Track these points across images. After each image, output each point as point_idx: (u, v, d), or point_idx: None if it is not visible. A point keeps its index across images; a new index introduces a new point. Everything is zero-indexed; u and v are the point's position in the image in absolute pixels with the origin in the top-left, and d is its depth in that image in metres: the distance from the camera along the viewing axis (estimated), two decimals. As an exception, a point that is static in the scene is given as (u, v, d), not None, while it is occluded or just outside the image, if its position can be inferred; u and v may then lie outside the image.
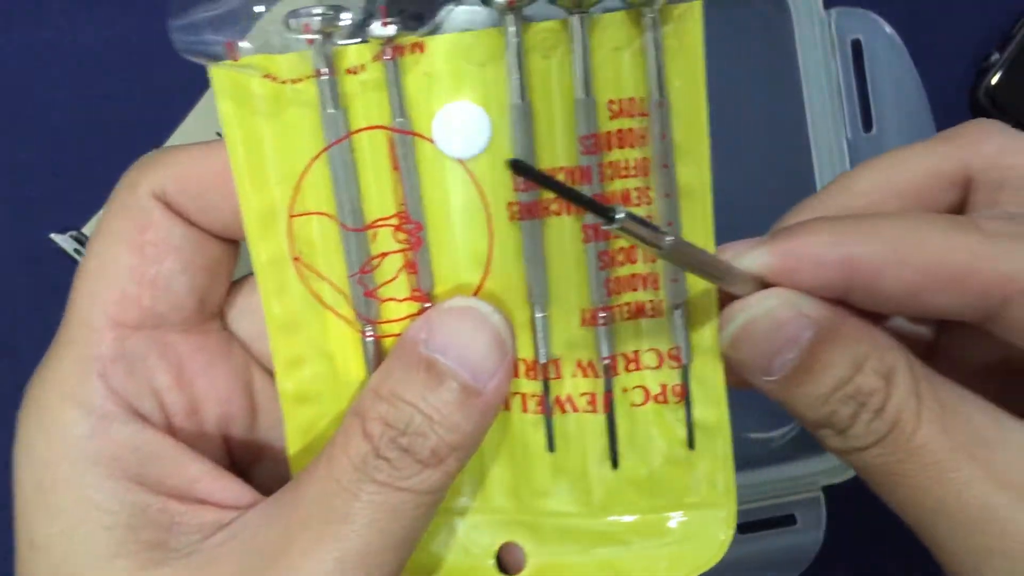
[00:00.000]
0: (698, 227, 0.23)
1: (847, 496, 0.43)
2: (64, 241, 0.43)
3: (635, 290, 0.24)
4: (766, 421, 0.43)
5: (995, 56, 0.45)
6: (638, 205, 0.23)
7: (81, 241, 0.43)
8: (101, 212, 0.24)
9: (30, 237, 0.44)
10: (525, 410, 0.24)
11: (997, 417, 0.21)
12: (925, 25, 0.44)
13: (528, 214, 0.23)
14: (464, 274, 0.24)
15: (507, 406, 0.24)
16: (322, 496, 0.22)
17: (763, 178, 0.43)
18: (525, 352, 0.24)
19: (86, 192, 0.44)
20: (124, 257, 0.23)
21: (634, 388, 0.24)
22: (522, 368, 0.24)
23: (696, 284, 0.24)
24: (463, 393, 0.22)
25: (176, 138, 0.43)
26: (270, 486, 0.24)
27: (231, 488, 0.23)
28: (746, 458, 0.43)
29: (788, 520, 0.42)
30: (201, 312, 0.25)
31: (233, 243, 0.25)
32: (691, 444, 0.24)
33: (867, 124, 0.42)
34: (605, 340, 0.24)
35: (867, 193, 0.24)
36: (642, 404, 0.24)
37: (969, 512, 0.20)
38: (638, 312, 0.24)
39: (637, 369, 0.24)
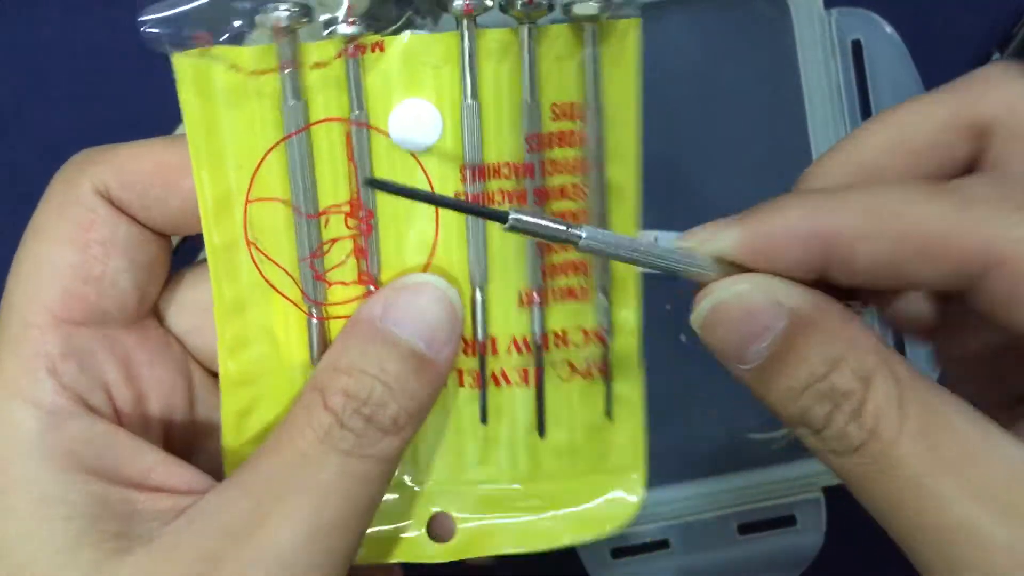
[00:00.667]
0: (622, 220, 0.25)
1: (847, 496, 0.42)
2: (64, 241, 0.43)
3: (567, 274, 0.26)
4: (766, 421, 0.43)
5: (995, 56, 0.45)
6: (574, 199, 0.25)
7: (81, 241, 0.43)
8: (35, 210, 0.24)
9: (30, 237, 0.44)
10: (461, 384, 0.26)
11: (986, 429, 0.19)
12: (925, 25, 0.44)
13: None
14: (410, 259, 0.25)
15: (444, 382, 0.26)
16: (288, 469, 0.22)
17: (763, 178, 0.43)
18: (466, 331, 0.25)
19: (86, 192, 0.44)
20: (67, 255, 0.23)
21: (561, 363, 0.26)
22: (461, 346, 0.25)
23: (619, 269, 0.26)
24: (420, 362, 0.23)
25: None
26: (208, 473, 0.24)
27: (185, 474, 0.23)
28: (746, 458, 0.43)
29: (788, 520, 0.42)
30: (141, 308, 0.25)
31: (169, 240, 0.25)
32: (609, 415, 0.27)
33: (867, 124, 0.42)
34: (538, 319, 0.26)
35: (875, 153, 0.23)
36: (568, 378, 0.26)
37: (949, 529, 0.19)
38: (568, 294, 0.26)
39: (565, 346, 0.26)
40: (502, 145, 0.25)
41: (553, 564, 0.43)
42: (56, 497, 0.22)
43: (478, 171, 0.25)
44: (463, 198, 0.25)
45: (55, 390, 0.23)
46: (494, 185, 0.25)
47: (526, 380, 0.26)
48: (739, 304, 0.21)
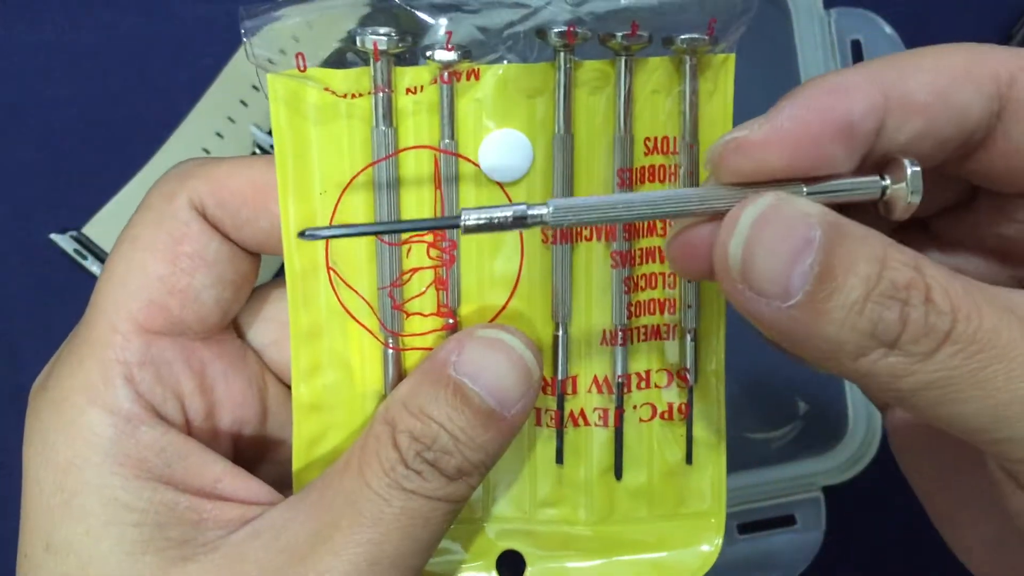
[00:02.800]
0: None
1: (847, 496, 0.43)
2: (64, 241, 0.43)
3: (653, 314, 0.25)
4: (766, 421, 0.43)
5: (995, 56, 0.45)
6: (663, 236, 0.24)
7: (81, 241, 0.43)
8: (132, 216, 0.24)
9: (30, 237, 0.44)
10: (539, 424, 0.25)
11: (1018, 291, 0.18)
12: (925, 25, 0.44)
13: (561, 238, 0.24)
14: (491, 294, 0.25)
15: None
16: (352, 499, 0.22)
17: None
18: (544, 370, 0.24)
19: (86, 192, 0.44)
20: (156, 266, 0.24)
21: (643, 405, 0.25)
22: (537, 395, 0.24)
23: (708, 310, 0.25)
24: (488, 418, 0.23)
25: (176, 138, 0.43)
26: (274, 484, 0.24)
27: (252, 486, 0.24)
28: (746, 458, 0.43)
29: (788, 520, 0.42)
30: (222, 322, 0.25)
31: (259, 257, 0.26)
32: (689, 459, 0.25)
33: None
34: (622, 360, 0.25)
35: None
36: (649, 420, 0.25)
37: None
38: (654, 335, 0.25)
39: (647, 388, 0.25)
40: (593, 178, 0.24)
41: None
42: (126, 502, 0.22)
43: None
44: (549, 232, 0.24)
45: (131, 398, 0.23)
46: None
47: (605, 421, 0.25)
48: (777, 219, 0.19)
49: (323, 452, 0.25)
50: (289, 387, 0.25)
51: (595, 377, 0.25)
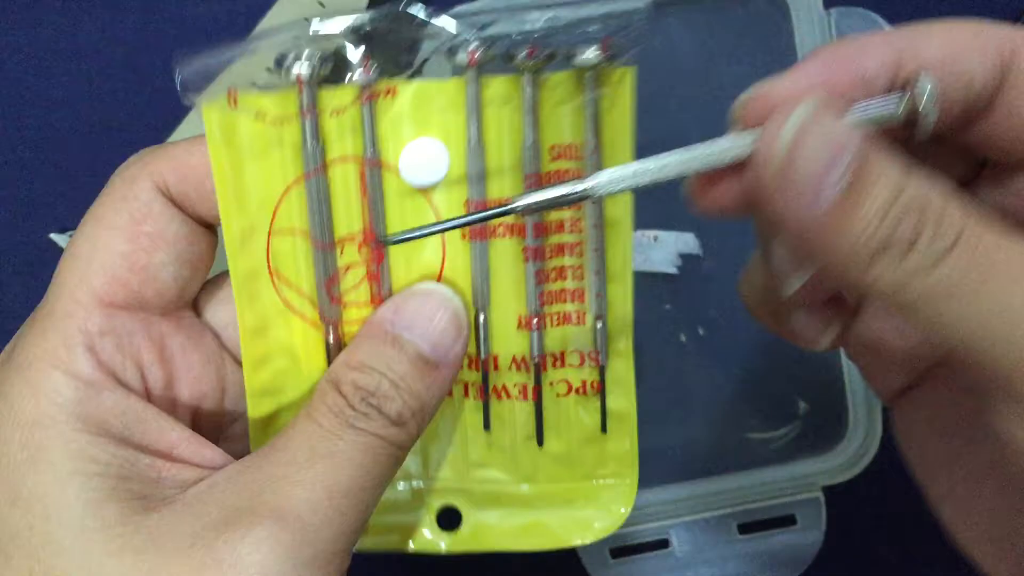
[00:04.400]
0: (618, 252, 0.27)
1: (847, 496, 0.43)
2: (64, 241, 0.43)
3: (564, 302, 0.28)
4: (766, 421, 0.43)
5: (995, 56, 0.45)
6: (572, 233, 0.27)
7: (81, 241, 0.43)
8: (96, 199, 0.26)
9: (30, 237, 0.44)
10: (467, 396, 0.28)
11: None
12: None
13: (477, 236, 0.27)
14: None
15: (451, 393, 0.28)
16: (306, 439, 0.24)
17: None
18: (472, 349, 0.28)
19: (86, 192, 0.44)
20: (118, 244, 0.25)
21: (559, 382, 0.28)
22: (466, 361, 0.28)
23: (616, 298, 0.28)
24: (425, 364, 0.25)
25: (176, 138, 0.43)
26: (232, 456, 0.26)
27: (208, 452, 0.25)
28: (746, 458, 0.43)
29: (788, 520, 0.42)
30: (179, 300, 0.27)
31: (215, 239, 0.27)
32: (604, 428, 0.29)
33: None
34: (536, 342, 0.28)
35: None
36: (565, 395, 0.28)
37: None
38: (565, 320, 0.28)
39: (563, 367, 0.28)
40: (504, 183, 0.27)
41: (553, 564, 0.43)
42: (88, 455, 0.23)
43: (481, 206, 0.26)
44: (468, 232, 0.27)
45: (92, 364, 0.24)
46: (499, 219, 0.27)
47: (525, 395, 0.28)
48: (818, 125, 0.20)
49: (276, 430, 0.27)
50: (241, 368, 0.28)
51: (514, 357, 0.28)
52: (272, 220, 0.27)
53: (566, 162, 0.27)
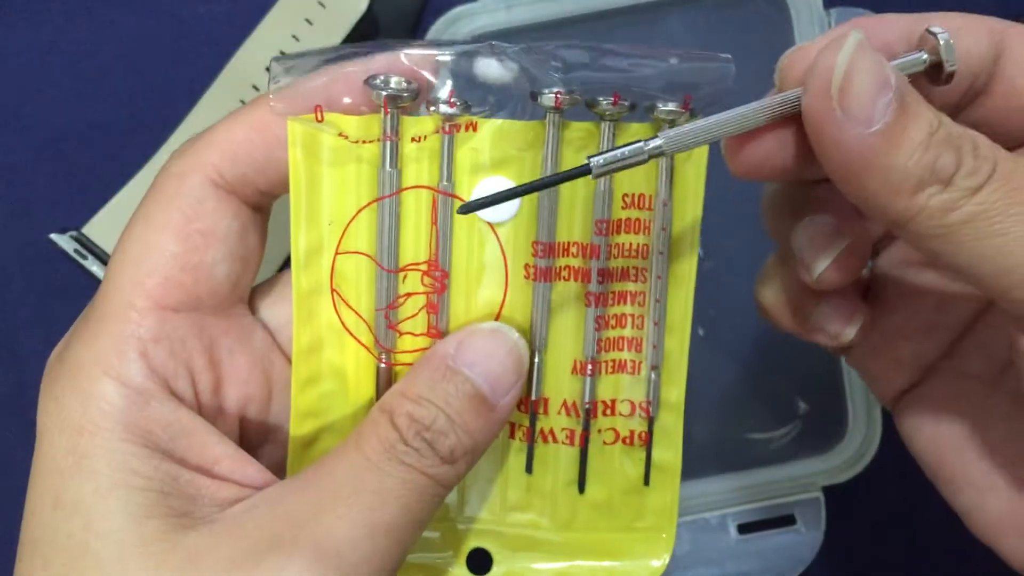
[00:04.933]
0: (679, 305, 0.28)
1: (847, 496, 0.43)
2: (64, 241, 0.43)
3: (621, 350, 0.28)
4: (766, 421, 0.43)
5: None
6: (635, 281, 0.28)
7: (81, 241, 0.43)
8: (143, 198, 0.26)
9: (30, 237, 0.44)
10: (512, 437, 0.28)
11: None
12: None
13: (541, 277, 0.27)
14: (476, 320, 0.27)
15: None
16: (353, 471, 0.24)
17: (763, 178, 0.43)
18: (523, 390, 0.27)
19: (86, 192, 0.44)
20: (169, 244, 0.25)
21: (607, 430, 0.28)
22: (520, 396, 0.27)
23: (672, 350, 0.28)
24: (482, 404, 0.25)
25: (176, 138, 0.43)
26: (275, 469, 0.25)
27: (250, 470, 0.25)
28: (746, 458, 0.43)
29: (788, 520, 0.42)
30: (233, 296, 0.27)
31: (265, 233, 0.27)
32: (647, 481, 0.28)
33: (867, 124, 0.42)
34: (589, 388, 0.28)
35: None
36: (612, 443, 0.28)
37: None
38: (620, 368, 0.28)
39: (612, 415, 0.28)
40: (573, 226, 0.27)
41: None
42: (134, 467, 0.23)
43: (548, 248, 0.27)
44: (531, 270, 0.27)
45: (143, 372, 0.24)
46: (562, 262, 0.27)
47: (572, 440, 0.28)
48: (868, 54, 0.22)
49: (316, 453, 0.27)
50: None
51: (564, 401, 0.28)
52: (340, 239, 0.27)
53: (636, 211, 0.27)
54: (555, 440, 0.28)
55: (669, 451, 0.28)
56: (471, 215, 0.26)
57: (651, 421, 0.28)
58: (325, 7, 0.43)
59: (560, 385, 0.28)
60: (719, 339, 0.43)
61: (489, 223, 0.27)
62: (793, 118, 0.23)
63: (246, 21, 0.44)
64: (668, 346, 0.28)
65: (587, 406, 0.28)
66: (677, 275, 0.27)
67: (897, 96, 0.21)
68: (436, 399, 0.24)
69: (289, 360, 0.28)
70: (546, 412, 0.28)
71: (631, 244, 0.27)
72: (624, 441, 0.28)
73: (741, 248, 0.43)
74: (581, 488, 0.28)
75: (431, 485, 0.24)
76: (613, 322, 0.28)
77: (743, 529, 0.42)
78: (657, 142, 0.23)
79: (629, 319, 0.28)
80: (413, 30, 0.41)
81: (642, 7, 0.41)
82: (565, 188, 0.27)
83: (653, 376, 0.28)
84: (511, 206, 0.27)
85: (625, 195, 0.27)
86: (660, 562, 0.29)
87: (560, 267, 0.27)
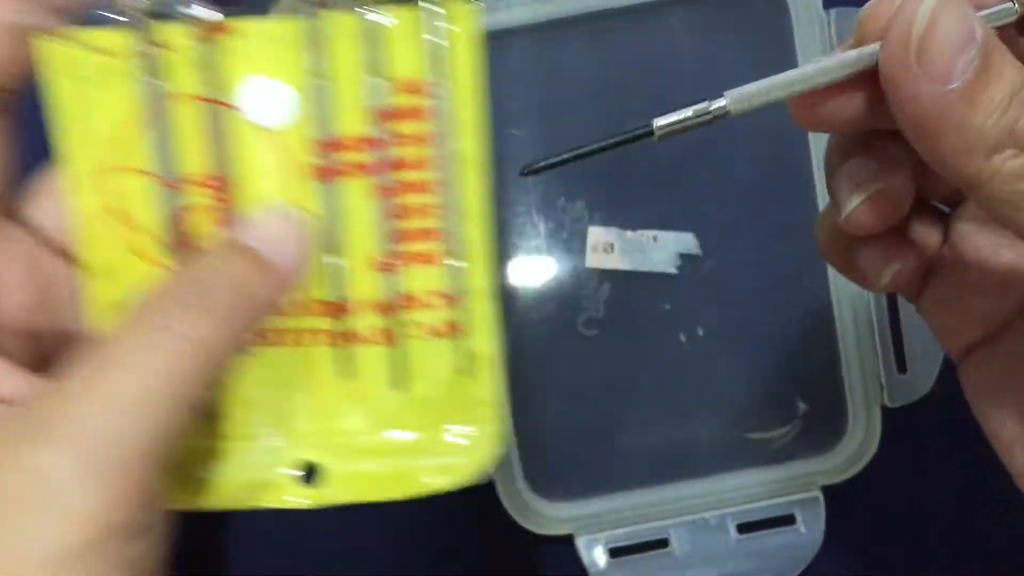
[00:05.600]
0: (472, 189, 0.27)
1: (847, 496, 0.43)
2: (64, 241, 0.43)
3: (418, 240, 0.28)
4: (766, 421, 0.43)
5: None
6: (421, 169, 0.27)
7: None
8: None
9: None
10: (321, 343, 0.28)
11: None
12: (925, 25, 0.44)
13: (326, 175, 0.27)
14: None
15: (303, 341, 0.28)
16: (133, 330, 0.23)
17: (762, 178, 0.43)
18: (321, 293, 0.27)
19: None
20: None
21: (417, 323, 0.28)
22: (318, 308, 0.27)
23: (473, 237, 0.27)
24: (261, 267, 0.25)
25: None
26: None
27: (21, 383, 0.25)
28: (746, 458, 0.43)
29: (788, 520, 0.42)
30: None
31: (10, 136, 0.26)
32: (466, 371, 0.28)
33: (867, 124, 0.42)
34: (390, 283, 0.27)
35: None
36: (424, 337, 0.28)
37: None
38: (420, 260, 0.28)
39: (419, 307, 0.28)
40: (348, 118, 0.27)
41: (553, 564, 0.43)
42: None
43: (330, 144, 0.26)
44: (313, 169, 0.27)
45: None
46: (345, 157, 0.27)
47: (381, 339, 0.28)
48: (952, 9, 0.21)
49: None
50: (71, 265, 0.27)
51: (368, 300, 0.28)
52: (114, 157, 0.26)
53: (411, 96, 0.27)
54: (365, 341, 0.28)
55: (485, 339, 0.28)
56: (246, 122, 0.26)
57: (461, 309, 0.28)
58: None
59: (362, 284, 0.28)
60: (719, 339, 0.43)
61: (265, 126, 0.26)
62: (867, 71, 0.23)
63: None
64: (468, 234, 0.27)
65: (391, 302, 0.28)
66: (465, 158, 0.27)
67: (980, 52, 0.20)
68: (212, 263, 0.25)
69: (67, 259, 0.27)
70: (351, 312, 0.28)
71: (412, 131, 0.27)
72: (436, 333, 0.28)
73: (741, 248, 0.43)
74: (398, 386, 0.28)
75: (188, 346, 0.23)
76: (406, 213, 0.27)
77: (743, 529, 0.42)
78: (722, 102, 0.23)
79: (422, 209, 0.27)
80: (413, 30, 0.41)
81: (642, 7, 0.41)
82: (337, 80, 0.26)
83: (455, 263, 0.27)
84: (286, 107, 0.26)
85: (397, 80, 0.27)
86: (492, 453, 0.28)
87: (344, 163, 0.27)
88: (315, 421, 0.28)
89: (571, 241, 0.42)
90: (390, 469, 0.28)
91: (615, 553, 0.42)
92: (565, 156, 0.23)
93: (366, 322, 0.28)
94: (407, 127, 0.27)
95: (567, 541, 0.42)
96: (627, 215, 0.42)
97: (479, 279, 0.28)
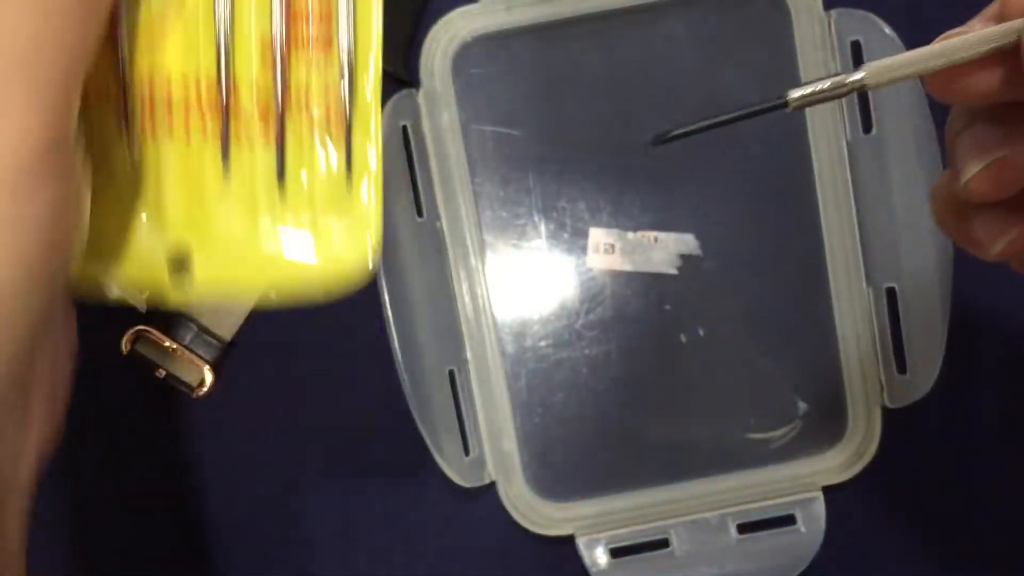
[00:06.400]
0: (366, 25, 0.28)
1: (847, 496, 0.43)
2: (65, 241, 0.43)
3: (310, 22, 0.28)
4: (766, 421, 0.43)
5: (995, 57, 0.45)
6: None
7: (82, 241, 0.43)
8: None
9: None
10: (204, 134, 0.28)
11: None
12: (925, 26, 0.44)
13: None
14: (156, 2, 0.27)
15: (189, 138, 0.28)
16: None
17: (762, 179, 0.43)
18: (207, 75, 0.27)
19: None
20: None
21: (304, 119, 0.28)
22: (206, 102, 0.28)
23: (362, 23, 0.28)
24: None
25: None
26: None
27: None
28: (746, 458, 0.43)
29: (788, 520, 0.42)
30: None
31: None
32: (349, 169, 0.28)
33: (867, 125, 0.42)
34: (281, 75, 0.28)
35: None
36: (309, 134, 0.28)
37: None
38: (310, 46, 0.28)
39: (307, 102, 0.28)
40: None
41: (554, 564, 0.43)
42: None
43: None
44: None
45: None
46: None
47: (267, 136, 0.28)
48: None
49: None
50: None
51: (256, 84, 0.28)
52: None
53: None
54: (250, 138, 0.28)
55: (367, 136, 0.28)
56: None
57: (347, 105, 0.28)
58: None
59: (252, 79, 0.28)
60: (719, 339, 0.43)
61: None
62: (1009, 46, 0.23)
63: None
64: (360, 21, 0.27)
65: (279, 96, 0.28)
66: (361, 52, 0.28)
67: None
68: None
69: None
70: (236, 94, 0.28)
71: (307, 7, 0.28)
72: (321, 130, 0.28)
73: (741, 249, 0.43)
74: (280, 181, 0.28)
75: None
76: None
77: (743, 529, 0.42)
78: (859, 75, 0.23)
79: None
80: (413, 31, 0.41)
81: (642, 7, 0.41)
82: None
83: (345, 56, 0.28)
84: None
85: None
86: (365, 259, 0.29)
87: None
88: (193, 214, 0.28)
89: (572, 242, 0.42)
90: (263, 261, 0.29)
91: (616, 553, 0.42)
92: (699, 125, 0.23)
93: (252, 110, 0.28)
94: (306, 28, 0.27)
95: (568, 541, 0.42)
96: (628, 216, 0.42)
97: (369, 75, 0.28)
